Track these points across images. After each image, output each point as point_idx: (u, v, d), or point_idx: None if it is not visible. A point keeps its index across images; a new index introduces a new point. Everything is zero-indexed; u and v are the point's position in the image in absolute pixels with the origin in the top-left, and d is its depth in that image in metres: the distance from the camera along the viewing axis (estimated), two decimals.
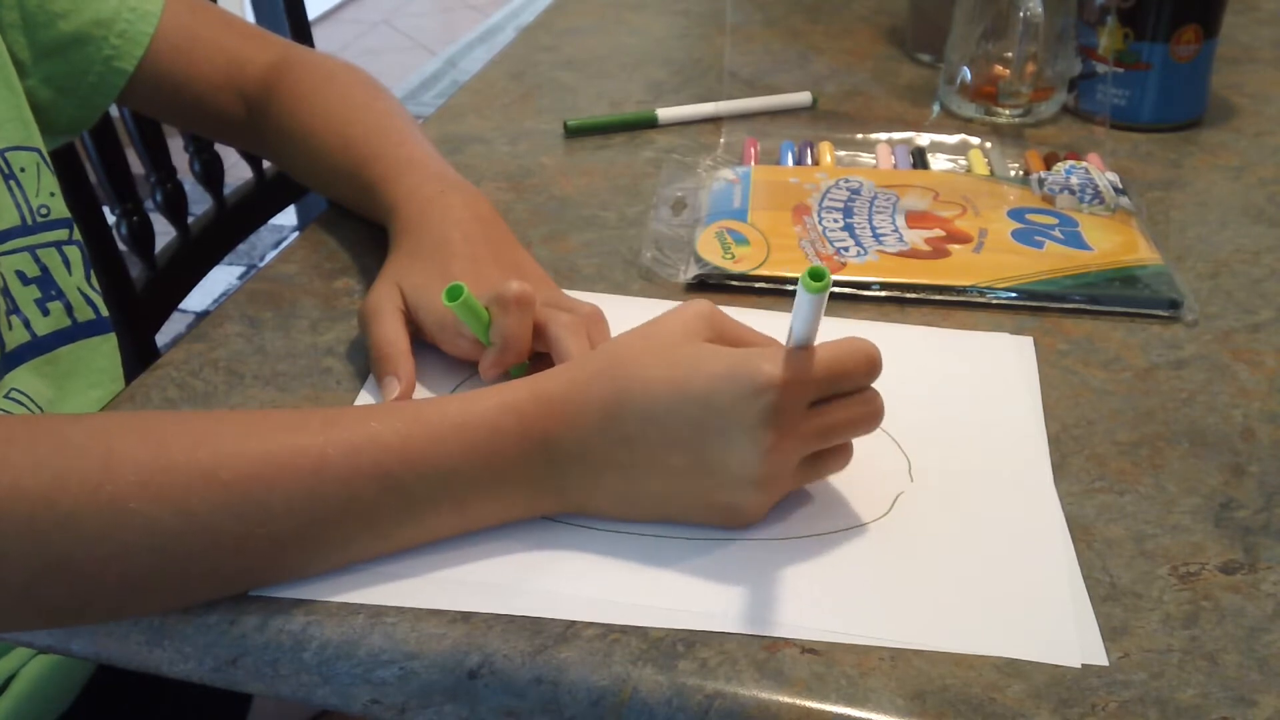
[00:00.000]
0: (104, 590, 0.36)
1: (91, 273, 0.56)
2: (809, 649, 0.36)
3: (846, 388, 0.40)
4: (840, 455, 0.41)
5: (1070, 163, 0.64)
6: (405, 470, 0.38)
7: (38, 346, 0.52)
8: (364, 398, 0.47)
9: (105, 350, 0.56)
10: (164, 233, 0.78)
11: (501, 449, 0.38)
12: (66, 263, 0.54)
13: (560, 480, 0.39)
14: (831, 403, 0.39)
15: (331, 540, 0.38)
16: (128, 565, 0.36)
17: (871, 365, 0.40)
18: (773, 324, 0.53)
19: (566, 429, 0.39)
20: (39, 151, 0.54)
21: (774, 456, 0.38)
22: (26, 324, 0.52)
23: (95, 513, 0.35)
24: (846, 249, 0.57)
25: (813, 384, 0.38)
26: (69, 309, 0.54)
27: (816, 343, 0.39)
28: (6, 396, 0.50)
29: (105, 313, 0.56)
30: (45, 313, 0.53)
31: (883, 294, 0.55)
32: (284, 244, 1.85)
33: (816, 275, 0.36)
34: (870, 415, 0.40)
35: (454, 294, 0.43)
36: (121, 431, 0.38)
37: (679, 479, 0.39)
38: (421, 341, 0.48)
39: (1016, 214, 0.60)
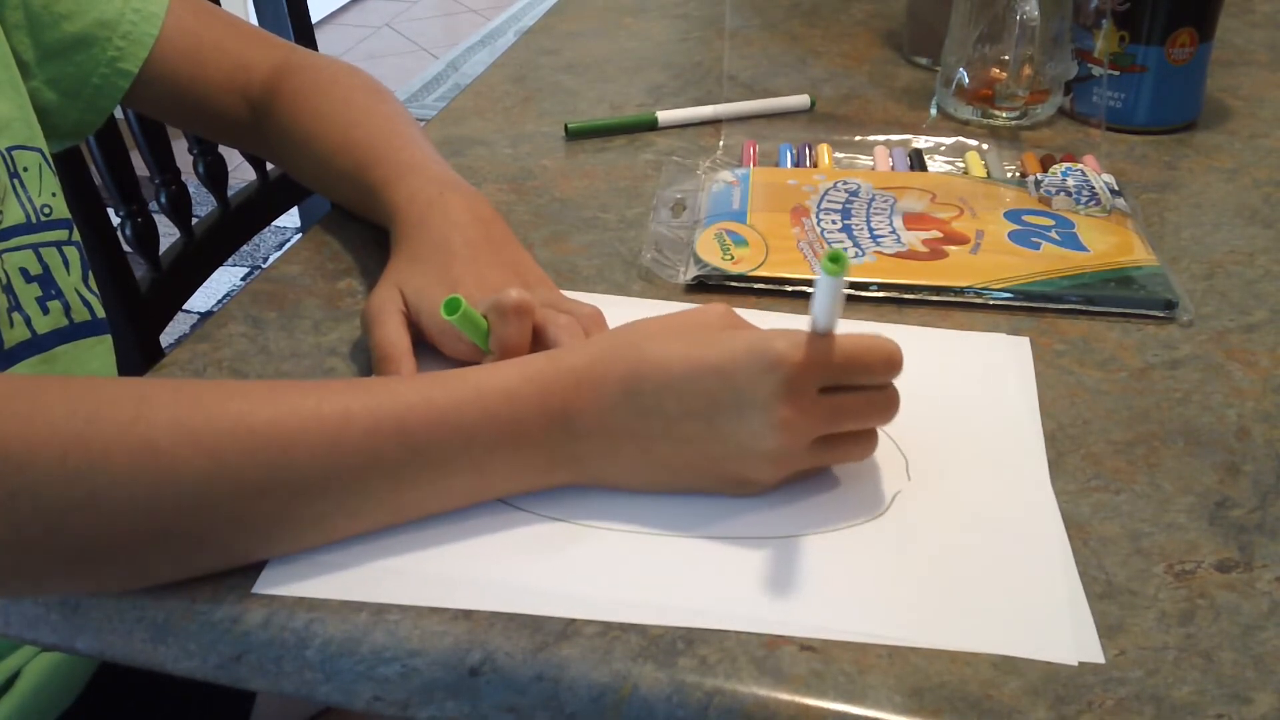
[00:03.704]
0: (128, 534, 0.37)
1: (89, 274, 0.56)
2: (807, 646, 0.37)
3: (862, 380, 0.41)
4: (862, 443, 0.42)
5: (1066, 165, 0.64)
6: (426, 431, 0.39)
7: (36, 345, 0.52)
8: None
9: (100, 352, 0.56)
10: (168, 234, 0.78)
11: (521, 417, 0.40)
12: (66, 263, 0.54)
13: (578, 450, 0.41)
14: (847, 392, 0.40)
15: (351, 496, 0.39)
16: (154, 506, 0.36)
17: (890, 361, 0.41)
18: (771, 324, 0.53)
19: (586, 401, 0.40)
20: (41, 152, 0.54)
21: (785, 432, 0.39)
22: (27, 322, 0.52)
23: (126, 452, 0.36)
24: (844, 250, 0.57)
25: (827, 368, 0.39)
26: (67, 309, 0.54)
27: (839, 333, 0.40)
28: None
29: (101, 314, 0.57)
30: (45, 311, 0.53)
31: (880, 295, 0.55)
32: (287, 245, 1.85)
33: (835, 258, 0.37)
34: (884, 405, 0.41)
35: (452, 307, 0.43)
36: (154, 385, 0.39)
37: (693, 449, 0.40)
38: (423, 342, 0.49)
39: (1013, 215, 0.61)
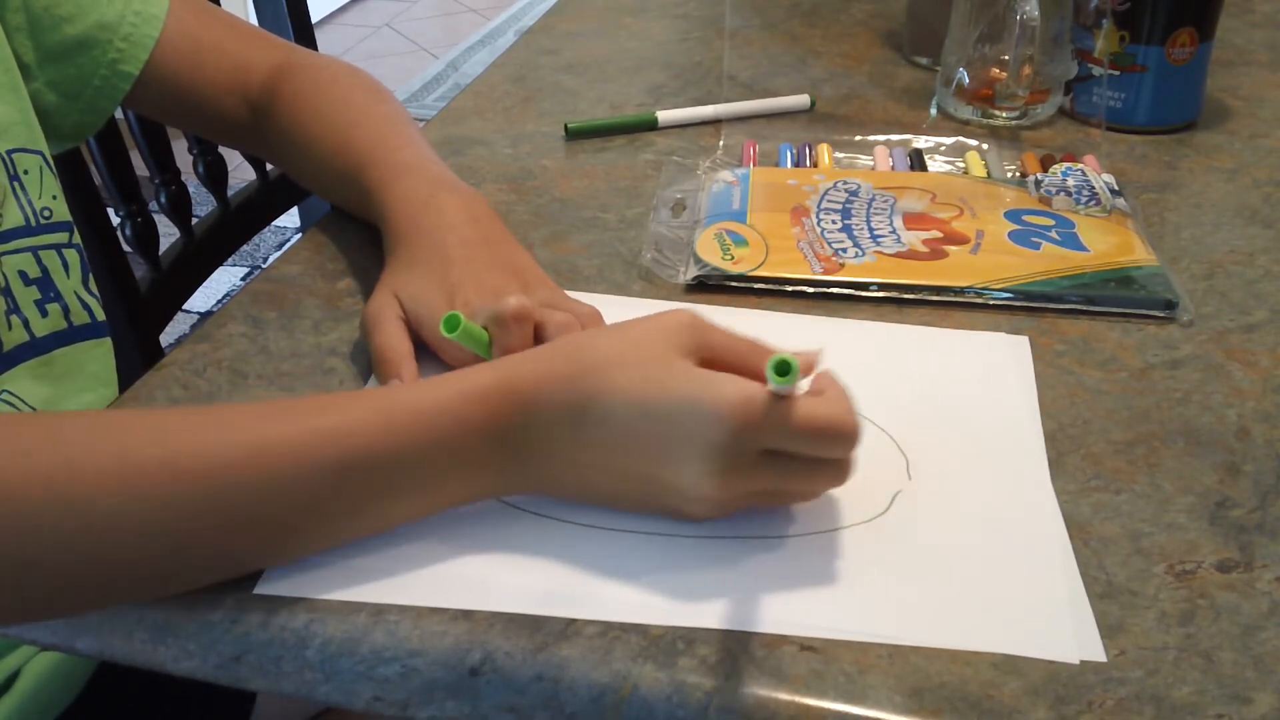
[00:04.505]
0: (60, 581, 0.36)
1: (89, 277, 0.56)
2: (808, 646, 0.37)
3: (810, 451, 0.38)
4: (805, 496, 0.41)
5: (1067, 165, 0.64)
6: (366, 456, 0.38)
7: (35, 348, 0.52)
8: None
9: (99, 355, 0.56)
10: (168, 234, 0.78)
11: (463, 437, 0.39)
12: (65, 266, 0.54)
13: (521, 466, 0.40)
14: (795, 460, 0.38)
15: (291, 525, 0.38)
16: (83, 555, 0.35)
17: (848, 438, 0.38)
18: (771, 324, 0.53)
19: (529, 423, 0.39)
20: (42, 155, 0.54)
21: (722, 484, 0.38)
22: (26, 324, 0.52)
23: (47, 504, 0.35)
24: (845, 250, 0.57)
25: (775, 433, 0.37)
26: (66, 312, 0.54)
27: (804, 390, 0.38)
28: (0, 398, 0.51)
29: (101, 317, 0.57)
30: (44, 314, 0.53)
31: (880, 295, 0.55)
32: (287, 245, 1.85)
33: (782, 370, 0.35)
34: (833, 477, 0.40)
35: (451, 324, 0.43)
36: (78, 423, 0.38)
37: (632, 484, 0.40)
38: (424, 345, 0.49)
39: (1013, 215, 0.61)
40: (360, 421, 0.38)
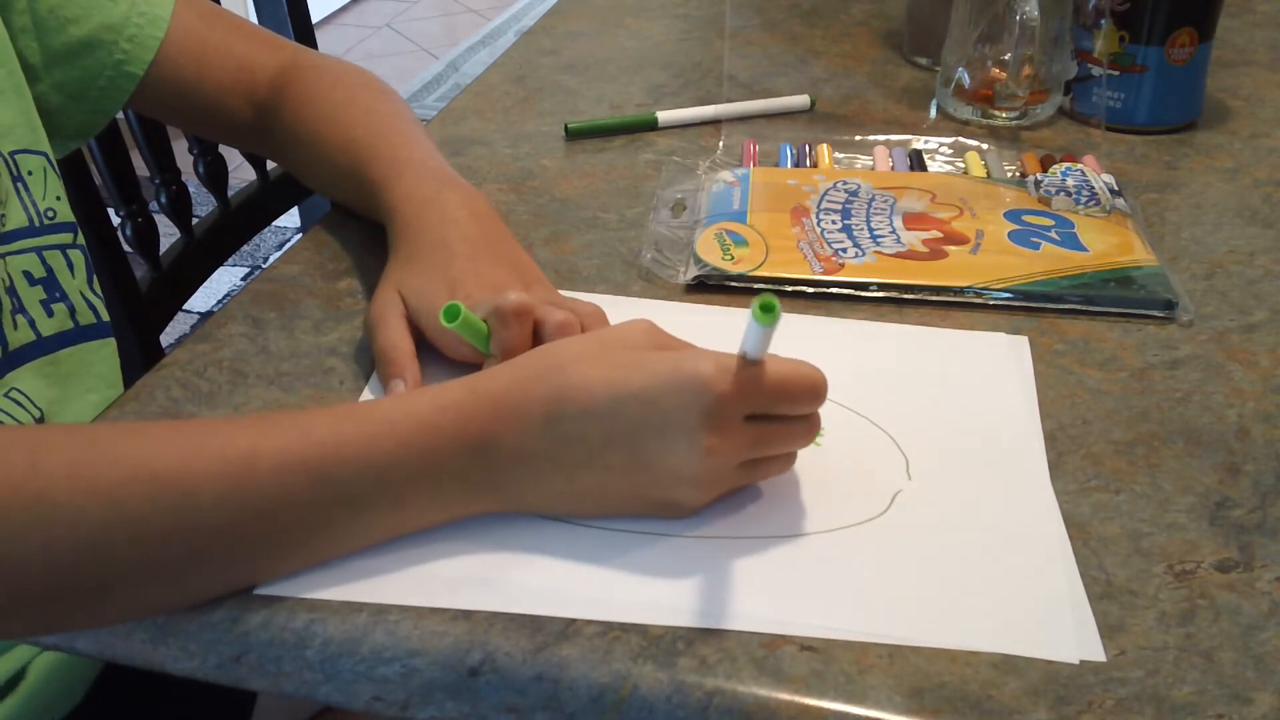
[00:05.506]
0: (27, 591, 0.35)
1: (94, 277, 0.56)
2: (808, 646, 0.37)
3: (786, 410, 0.40)
4: (783, 462, 0.42)
5: (1066, 165, 0.64)
6: (339, 466, 0.38)
7: (41, 347, 0.52)
8: (367, 398, 0.48)
9: (104, 355, 0.56)
10: (168, 234, 0.78)
11: (438, 446, 0.38)
12: (70, 266, 0.55)
13: (498, 479, 0.40)
14: (771, 420, 0.40)
15: (262, 537, 0.38)
16: (52, 560, 0.35)
17: (816, 392, 0.40)
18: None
19: (507, 428, 0.39)
20: (46, 156, 0.54)
21: (710, 458, 0.38)
22: (32, 324, 0.52)
23: (21, 507, 0.35)
24: (844, 250, 0.57)
25: (754, 397, 0.39)
26: (72, 312, 0.54)
27: (770, 355, 0.39)
28: (6, 396, 0.51)
29: (106, 317, 0.57)
30: (50, 314, 0.53)
31: (880, 295, 0.55)
32: (287, 245, 1.85)
33: (767, 308, 0.36)
34: (806, 432, 0.41)
35: (451, 314, 0.43)
36: (50, 432, 0.38)
37: (617, 476, 0.39)
38: (426, 344, 0.49)
39: (1013, 215, 0.61)
40: (330, 429, 0.38)
